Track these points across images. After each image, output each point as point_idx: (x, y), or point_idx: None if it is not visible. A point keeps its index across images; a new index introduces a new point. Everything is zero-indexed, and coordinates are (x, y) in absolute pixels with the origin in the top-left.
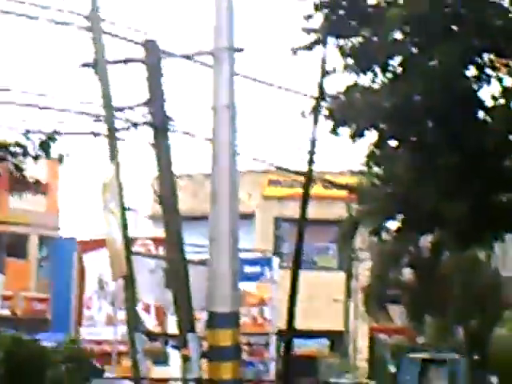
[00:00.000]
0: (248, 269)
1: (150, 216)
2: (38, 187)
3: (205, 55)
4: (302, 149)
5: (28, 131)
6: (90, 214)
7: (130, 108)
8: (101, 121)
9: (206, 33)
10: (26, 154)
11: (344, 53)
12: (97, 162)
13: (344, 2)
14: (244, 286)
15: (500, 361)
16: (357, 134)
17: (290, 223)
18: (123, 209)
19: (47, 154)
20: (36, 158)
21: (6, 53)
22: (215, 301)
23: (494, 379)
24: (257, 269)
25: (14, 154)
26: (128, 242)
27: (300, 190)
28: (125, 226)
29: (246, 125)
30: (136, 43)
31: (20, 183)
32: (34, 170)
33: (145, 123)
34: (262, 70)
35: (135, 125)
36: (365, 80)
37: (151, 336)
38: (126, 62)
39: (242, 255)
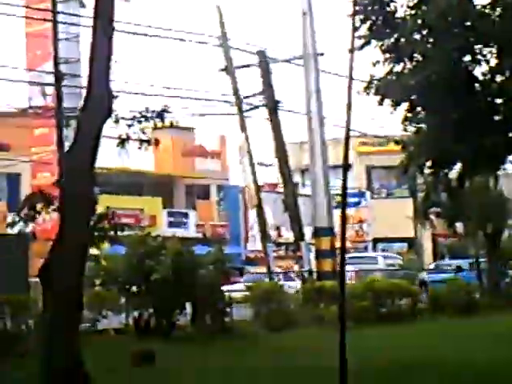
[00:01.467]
0: (350, 199)
1: None
2: (156, 145)
3: (297, 59)
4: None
5: (148, 107)
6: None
7: (252, 96)
8: (233, 105)
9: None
10: (146, 119)
11: (383, 50)
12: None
13: (380, 17)
14: (348, 211)
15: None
16: (396, 104)
17: (377, 170)
18: (252, 163)
19: (162, 121)
20: (155, 124)
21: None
22: (317, 219)
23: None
24: (356, 199)
25: (139, 122)
26: (257, 184)
27: (381, 148)
28: (254, 174)
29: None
30: (251, 53)
31: (146, 143)
32: (210, 142)
33: (262, 105)
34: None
35: (256, 107)
36: (398, 67)
37: (277, 244)
38: (246, 66)
39: None
